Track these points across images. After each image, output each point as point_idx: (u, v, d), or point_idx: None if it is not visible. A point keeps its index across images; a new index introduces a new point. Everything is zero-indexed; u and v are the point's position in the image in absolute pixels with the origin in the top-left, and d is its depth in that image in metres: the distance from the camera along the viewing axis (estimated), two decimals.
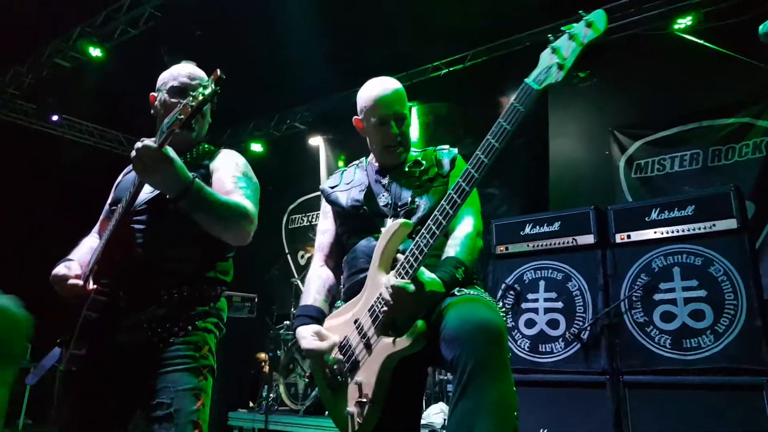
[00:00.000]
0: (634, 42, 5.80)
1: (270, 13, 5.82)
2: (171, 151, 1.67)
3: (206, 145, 2.13)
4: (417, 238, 1.71)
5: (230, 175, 1.96)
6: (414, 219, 1.93)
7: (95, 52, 6.58)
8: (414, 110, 6.66)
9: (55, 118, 8.26)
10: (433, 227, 1.70)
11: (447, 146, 2.21)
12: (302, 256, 7.76)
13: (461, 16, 5.98)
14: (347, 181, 2.20)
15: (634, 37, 5.82)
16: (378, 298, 1.76)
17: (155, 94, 2.10)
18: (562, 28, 1.73)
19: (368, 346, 1.79)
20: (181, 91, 2.00)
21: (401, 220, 1.82)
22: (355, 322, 1.86)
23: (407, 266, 1.68)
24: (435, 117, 6.67)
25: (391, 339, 1.72)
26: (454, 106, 6.67)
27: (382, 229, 1.90)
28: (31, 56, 7.11)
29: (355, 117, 2.22)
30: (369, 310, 1.81)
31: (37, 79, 7.31)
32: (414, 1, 5.82)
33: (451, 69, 6.87)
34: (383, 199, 2.06)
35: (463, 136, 6.01)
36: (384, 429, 1.78)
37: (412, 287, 1.64)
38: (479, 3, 5.83)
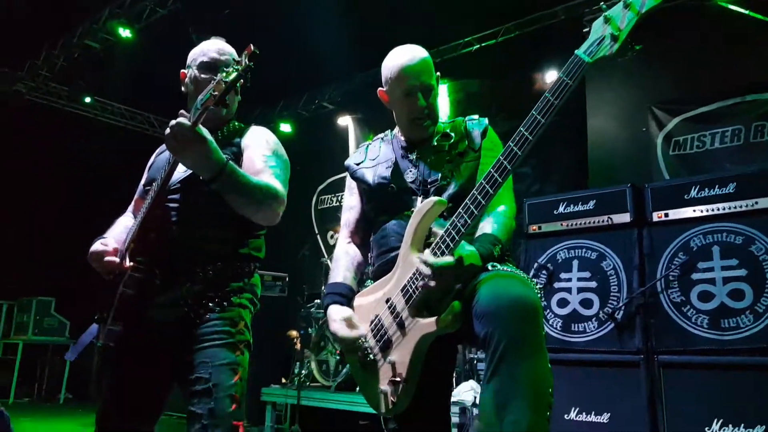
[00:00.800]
0: (674, 13, 5.60)
1: None
2: (205, 131, 1.67)
3: (237, 123, 2.12)
4: (454, 218, 1.66)
5: (261, 154, 1.96)
6: (445, 196, 1.87)
7: (125, 32, 6.64)
8: (444, 87, 6.56)
9: (87, 99, 8.38)
10: (472, 207, 1.65)
11: (476, 116, 2.12)
12: (332, 237, 7.79)
13: None
14: (372, 157, 2.13)
15: (673, 9, 5.62)
16: (411, 277, 1.74)
17: (185, 71, 2.10)
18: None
19: (401, 326, 1.77)
20: (211, 66, 2.00)
21: (435, 198, 1.77)
22: (387, 301, 1.83)
23: (443, 246, 1.65)
24: (467, 94, 6.56)
25: (426, 320, 1.70)
26: (486, 82, 6.55)
27: (413, 208, 1.87)
28: (63, 38, 7.21)
29: (380, 89, 2.13)
30: (402, 290, 1.78)
31: (69, 61, 7.42)
32: None
33: (482, 45, 6.75)
34: (411, 175, 1.99)
35: (495, 113, 5.89)
36: (414, 407, 1.77)
37: (452, 261, 1.60)
38: None
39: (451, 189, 1.92)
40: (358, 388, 2.03)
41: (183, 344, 1.80)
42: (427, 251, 1.67)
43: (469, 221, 1.63)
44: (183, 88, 2.11)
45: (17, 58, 7.60)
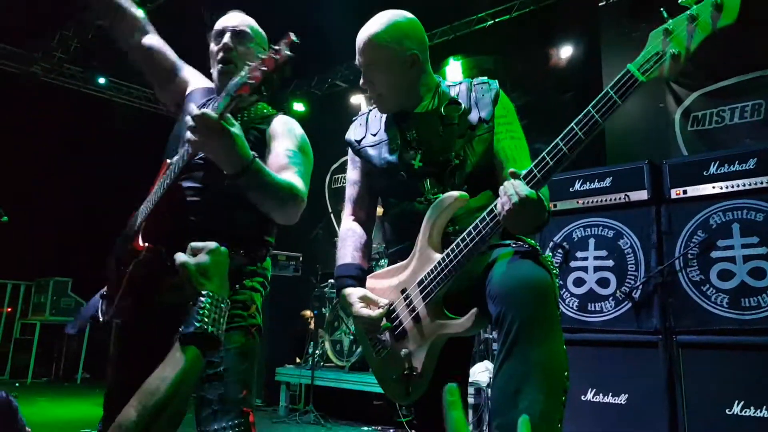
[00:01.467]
0: None
1: None
2: (234, 124, 1.56)
3: (264, 106, 2.03)
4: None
5: (286, 148, 1.88)
6: (458, 178, 1.80)
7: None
8: (458, 64, 6.47)
9: (102, 80, 8.38)
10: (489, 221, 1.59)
11: (486, 78, 1.94)
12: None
13: None
14: (374, 131, 2.02)
15: None
16: (431, 273, 1.70)
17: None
18: (681, 2, 1.42)
19: (417, 320, 1.75)
20: (219, 33, 1.95)
21: (456, 193, 1.70)
22: (403, 291, 1.80)
23: (532, 179, 1.53)
24: (480, 70, 6.46)
25: (445, 321, 1.68)
26: (500, 58, 6.46)
27: (426, 194, 1.81)
28: (76, 19, 7.19)
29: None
30: (419, 284, 1.74)
31: (84, 42, 7.41)
32: None
33: (496, 20, 6.65)
34: (414, 153, 1.85)
35: (510, 90, 5.79)
36: (429, 392, 1.76)
37: (535, 194, 1.48)
38: None
39: (465, 169, 1.81)
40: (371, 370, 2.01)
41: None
42: (517, 181, 1.51)
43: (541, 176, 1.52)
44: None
45: (32, 39, 7.61)
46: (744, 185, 2.99)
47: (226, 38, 1.94)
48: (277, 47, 1.53)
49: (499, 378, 1.46)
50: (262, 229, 1.94)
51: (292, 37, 1.53)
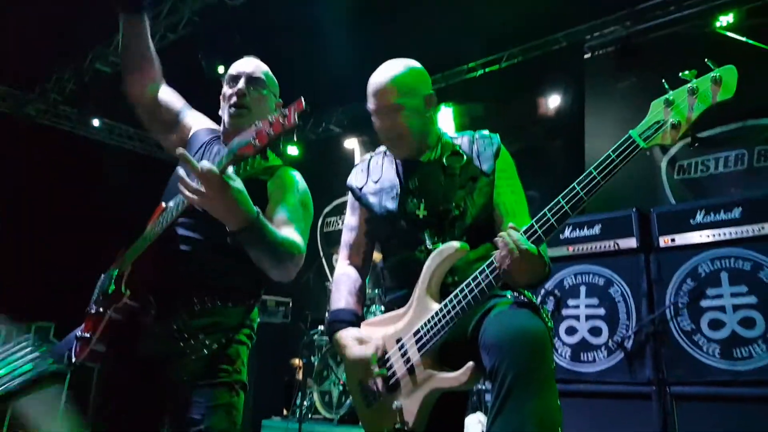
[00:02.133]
0: (674, 40, 5.64)
1: (305, 18, 5.84)
2: (235, 179, 1.52)
3: (270, 155, 2.01)
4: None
5: (287, 204, 1.84)
6: (459, 229, 1.81)
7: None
8: (450, 111, 6.58)
9: (95, 122, 8.43)
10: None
11: (487, 131, 1.99)
12: (336, 260, 7.73)
13: (496, 17, 5.91)
14: (375, 178, 2.01)
15: (673, 36, 5.65)
16: (427, 324, 1.68)
17: None
18: (681, 75, 1.52)
19: (411, 371, 1.71)
20: (235, 78, 1.96)
21: (457, 244, 1.70)
22: (398, 341, 1.77)
23: (533, 234, 1.56)
24: (471, 118, 6.58)
25: (441, 374, 1.65)
26: (490, 106, 6.58)
27: (426, 243, 1.80)
28: (73, 62, 7.28)
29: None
30: (415, 334, 1.72)
31: (80, 84, 7.49)
32: (449, 2, 5.78)
33: (486, 70, 6.80)
34: (418, 205, 1.86)
35: (501, 137, 5.90)
36: None
37: (535, 249, 1.51)
38: (514, 3, 5.75)
39: (465, 221, 1.82)
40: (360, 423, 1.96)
41: (176, 380, 1.73)
42: (517, 234, 1.54)
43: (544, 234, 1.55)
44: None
45: (28, 81, 7.67)
46: (730, 234, 3.02)
47: (241, 83, 1.94)
48: (286, 112, 1.48)
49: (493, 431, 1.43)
50: (256, 283, 1.91)
51: (303, 103, 1.49)
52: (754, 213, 2.98)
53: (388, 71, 1.94)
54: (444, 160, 1.90)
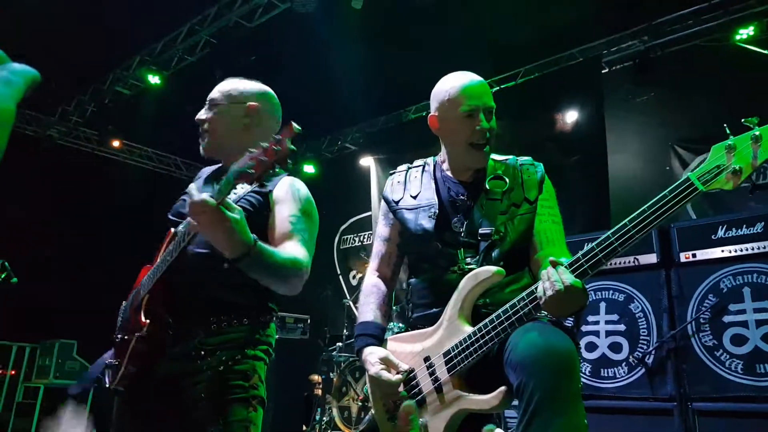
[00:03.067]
0: (693, 54, 5.62)
1: (320, 38, 5.92)
2: (234, 209, 1.55)
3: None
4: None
5: (290, 214, 1.85)
6: (496, 254, 1.79)
7: (154, 79, 6.85)
8: None
9: (116, 144, 8.58)
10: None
11: (530, 159, 1.99)
12: (354, 277, 7.77)
13: (511, 33, 5.93)
14: (413, 193, 1.98)
15: (693, 49, 5.64)
16: (458, 345, 1.69)
17: None
18: (744, 121, 1.49)
19: (439, 390, 1.72)
20: (208, 104, 2.00)
21: (493, 269, 1.69)
22: (426, 359, 1.77)
23: (579, 267, 1.56)
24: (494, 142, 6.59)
25: (469, 395, 1.66)
26: (506, 123, 6.58)
27: (459, 264, 1.79)
28: (94, 85, 7.45)
29: (431, 114, 1.98)
30: (445, 355, 1.72)
31: (100, 106, 7.65)
32: (463, 19, 5.82)
33: (502, 87, 6.82)
34: (458, 226, 1.85)
35: (516, 155, 5.89)
36: None
37: (581, 282, 1.50)
38: (529, 19, 5.77)
39: (503, 246, 1.80)
40: None
41: (195, 398, 1.74)
42: (562, 268, 1.53)
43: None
44: None
45: (49, 103, 7.86)
46: (753, 249, 2.98)
47: (201, 112, 2.01)
48: (278, 137, 1.47)
49: None
50: (266, 297, 1.92)
51: (295, 127, 1.49)
52: None
53: (477, 76, 1.94)
54: (486, 184, 1.90)
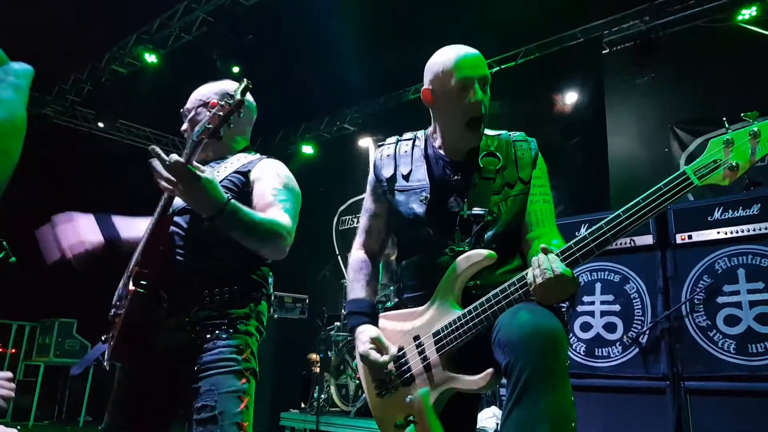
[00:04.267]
0: (694, 35, 5.59)
1: (319, 17, 5.87)
2: (202, 170, 1.64)
3: (250, 152, 2.12)
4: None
5: (271, 187, 1.92)
6: (489, 234, 1.77)
7: (151, 58, 6.80)
8: None
9: (113, 123, 8.54)
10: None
11: (523, 134, 1.94)
12: None
13: (512, 13, 5.89)
14: (404, 171, 1.92)
15: (694, 30, 5.61)
16: (448, 326, 1.70)
17: None
18: (743, 115, 1.47)
19: (428, 369, 1.74)
20: (189, 110, 2.08)
21: (486, 252, 1.69)
22: (416, 338, 1.79)
23: (570, 257, 1.56)
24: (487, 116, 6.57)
25: (458, 375, 1.69)
26: (506, 104, 6.57)
27: (452, 246, 1.77)
28: (90, 64, 7.39)
29: (424, 87, 1.90)
30: (435, 335, 1.73)
31: (96, 86, 7.60)
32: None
33: (502, 67, 6.78)
34: (455, 204, 1.81)
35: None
36: None
37: (571, 272, 1.51)
38: None
39: (496, 228, 1.78)
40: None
41: (188, 371, 1.79)
42: (553, 256, 1.54)
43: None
44: None
45: (45, 82, 7.81)
46: (748, 231, 3.00)
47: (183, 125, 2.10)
48: (231, 93, 1.69)
49: (508, 425, 1.45)
50: (252, 269, 1.96)
51: (245, 82, 1.69)
52: None
53: (472, 49, 1.87)
54: (479, 161, 1.85)
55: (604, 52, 6.22)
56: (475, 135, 1.85)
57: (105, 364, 1.89)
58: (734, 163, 1.44)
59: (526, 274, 1.57)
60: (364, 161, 7.88)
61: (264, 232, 1.77)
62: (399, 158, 1.96)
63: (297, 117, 8.64)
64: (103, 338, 1.94)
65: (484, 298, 1.65)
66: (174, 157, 1.61)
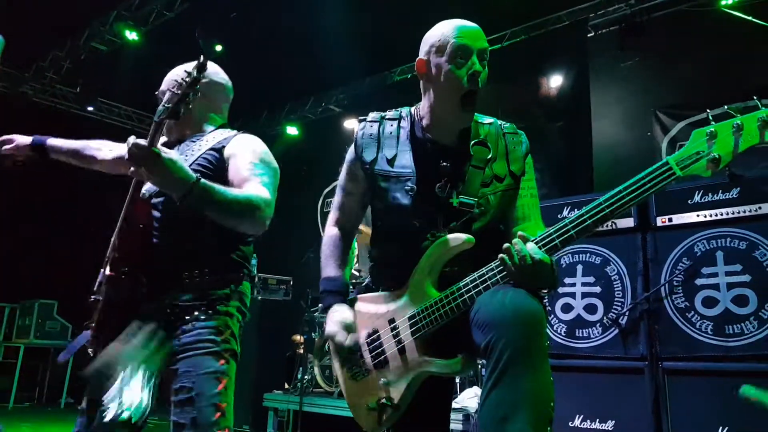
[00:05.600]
0: (678, 19, 5.61)
1: None
2: (165, 152, 1.62)
3: (225, 129, 2.10)
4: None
5: (247, 162, 1.89)
6: (477, 226, 1.75)
7: (131, 35, 6.68)
8: None
9: (90, 108, 8.40)
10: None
11: (513, 126, 1.89)
12: None
13: None
14: (389, 155, 1.83)
15: (678, 14, 5.62)
16: (425, 311, 1.69)
17: None
18: (727, 108, 1.49)
19: (402, 352, 1.74)
20: (162, 92, 2.04)
21: (464, 237, 1.67)
22: (391, 321, 1.78)
23: (548, 243, 1.56)
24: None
25: (432, 359, 1.69)
26: (492, 86, 6.53)
27: (433, 231, 1.74)
28: (69, 40, 7.25)
29: (420, 58, 1.82)
30: (410, 319, 1.73)
31: (76, 63, 7.46)
32: None
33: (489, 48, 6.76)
34: (441, 192, 1.75)
35: (501, 118, 5.87)
36: (413, 418, 1.77)
37: (548, 258, 1.54)
38: None
39: (484, 220, 1.76)
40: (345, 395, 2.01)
41: (167, 352, 1.79)
42: (531, 243, 1.54)
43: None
44: None
45: (24, 59, 7.64)
46: (727, 214, 3.04)
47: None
48: (188, 71, 1.68)
49: (488, 405, 1.45)
50: (232, 249, 1.95)
51: (201, 59, 1.67)
52: (751, 193, 3.00)
53: (471, 22, 1.80)
54: (470, 149, 1.80)
55: (589, 35, 6.22)
56: (467, 113, 1.78)
57: (89, 348, 1.88)
58: (717, 155, 1.44)
59: (504, 258, 1.56)
60: (350, 143, 7.82)
61: (240, 208, 1.74)
62: (383, 140, 1.87)
63: (281, 97, 8.56)
64: (85, 324, 1.94)
65: (461, 282, 1.64)
66: (132, 139, 1.60)
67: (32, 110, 8.16)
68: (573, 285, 3.44)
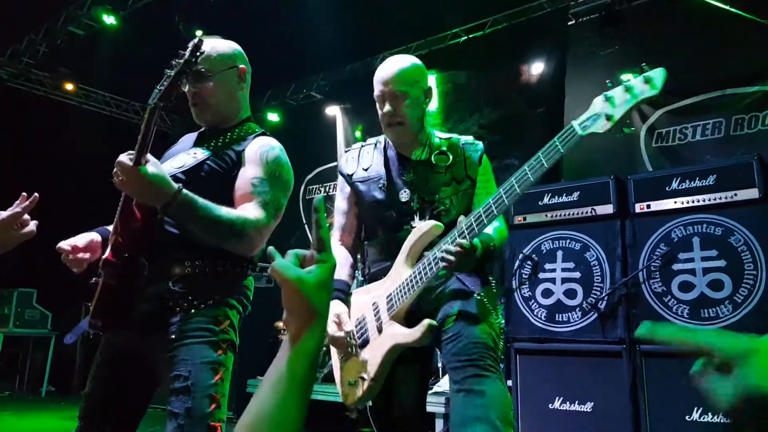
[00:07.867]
0: (658, 7, 5.66)
1: None
2: (148, 168, 1.60)
3: (250, 126, 2.04)
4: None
5: (253, 176, 1.84)
6: (444, 221, 2.00)
7: (109, 19, 6.56)
8: (433, 78, 6.55)
9: (69, 87, 8.24)
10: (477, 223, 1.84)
11: (471, 138, 2.22)
12: None
13: None
14: (365, 166, 2.21)
15: (658, 3, 5.67)
16: (398, 288, 1.94)
17: None
18: (620, 79, 1.76)
19: (380, 329, 1.97)
20: (202, 74, 1.96)
21: (433, 222, 1.95)
22: (373, 304, 2.03)
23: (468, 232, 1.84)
24: (454, 85, 6.55)
25: (400, 329, 1.90)
26: (473, 73, 6.56)
27: (412, 224, 2.03)
28: (46, 25, 7.10)
29: None
30: (387, 297, 1.97)
31: (52, 48, 7.32)
32: None
33: (470, 36, 6.76)
34: (406, 195, 2.09)
35: (483, 105, 5.91)
36: (390, 403, 2.03)
37: (468, 243, 1.79)
38: None
39: (450, 215, 2.04)
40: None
41: (164, 339, 1.76)
42: (454, 234, 1.85)
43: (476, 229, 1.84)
44: None
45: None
46: (704, 200, 3.10)
47: (190, 86, 1.97)
48: (182, 52, 1.67)
49: (456, 404, 1.77)
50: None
51: (195, 40, 1.67)
52: (727, 180, 3.06)
53: (395, 63, 2.14)
54: (432, 159, 2.13)
55: (570, 23, 6.24)
56: (393, 135, 2.17)
57: (88, 330, 1.86)
58: (609, 114, 1.72)
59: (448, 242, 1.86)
60: (332, 130, 7.80)
61: (223, 230, 1.71)
62: (361, 158, 2.26)
63: (262, 83, 8.46)
64: (86, 304, 1.93)
65: (425, 260, 1.89)
66: (121, 158, 1.62)
67: (7, 95, 7.99)
68: (553, 270, 3.49)
